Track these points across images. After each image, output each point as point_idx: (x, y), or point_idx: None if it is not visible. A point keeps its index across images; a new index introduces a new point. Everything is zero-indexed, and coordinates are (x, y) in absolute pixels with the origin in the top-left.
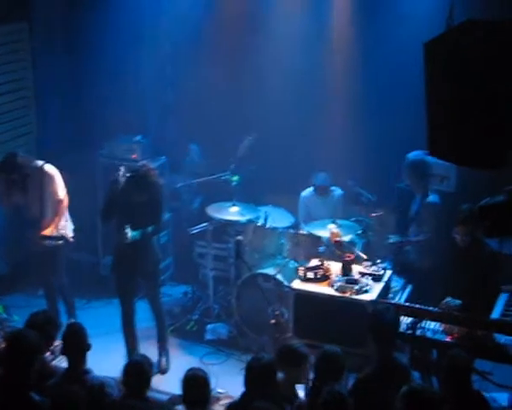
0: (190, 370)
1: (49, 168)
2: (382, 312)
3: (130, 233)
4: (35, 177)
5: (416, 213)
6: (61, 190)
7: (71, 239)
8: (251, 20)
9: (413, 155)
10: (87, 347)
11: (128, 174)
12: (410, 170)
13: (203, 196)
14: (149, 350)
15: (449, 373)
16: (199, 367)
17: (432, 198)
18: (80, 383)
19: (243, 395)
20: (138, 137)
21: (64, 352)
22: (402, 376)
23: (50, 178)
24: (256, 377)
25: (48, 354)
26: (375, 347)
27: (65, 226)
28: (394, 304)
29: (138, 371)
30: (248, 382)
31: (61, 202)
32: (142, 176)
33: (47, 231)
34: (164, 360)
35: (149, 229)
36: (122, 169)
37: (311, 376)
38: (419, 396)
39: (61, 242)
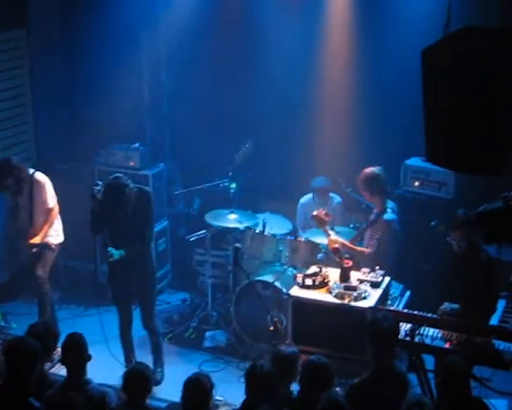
0: (194, 374)
1: (39, 176)
2: (380, 319)
3: (113, 253)
4: (25, 185)
5: (370, 223)
6: (51, 199)
7: (53, 246)
8: (248, 29)
9: (368, 169)
10: (87, 357)
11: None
12: (362, 184)
13: (201, 200)
14: (147, 358)
15: (447, 380)
16: (204, 373)
17: (388, 216)
18: (80, 393)
19: (244, 403)
20: (136, 145)
21: (63, 362)
22: (399, 383)
23: (40, 186)
24: (258, 384)
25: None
26: (372, 354)
27: (57, 232)
28: (392, 311)
29: (139, 379)
30: (250, 389)
31: (50, 210)
32: (115, 189)
33: (35, 240)
34: (158, 371)
35: (136, 246)
36: (99, 183)
37: (300, 386)
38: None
39: (46, 239)
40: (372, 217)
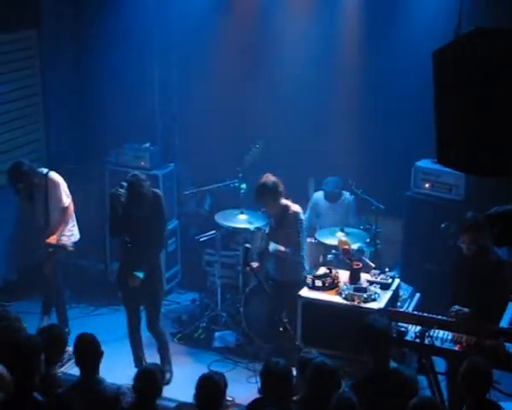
0: (208, 372)
1: (54, 176)
2: (373, 321)
3: (138, 276)
4: (40, 185)
5: (281, 226)
6: (66, 197)
7: (70, 248)
8: (259, 30)
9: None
10: (100, 357)
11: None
12: (266, 193)
13: (212, 199)
14: (155, 357)
15: (469, 380)
16: (216, 371)
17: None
18: (93, 392)
19: (258, 400)
20: (147, 145)
21: (76, 363)
22: (403, 386)
23: (55, 185)
24: (272, 381)
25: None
26: (369, 356)
27: (72, 232)
28: (402, 312)
29: (151, 380)
30: (264, 386)
31: (65, 209)
32: (131, 187)
33: (51, 239)
34: (166, 369)
35: (152, 258)
36: (124, 185)
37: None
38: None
39: (61, 238)
40: (274, 221)
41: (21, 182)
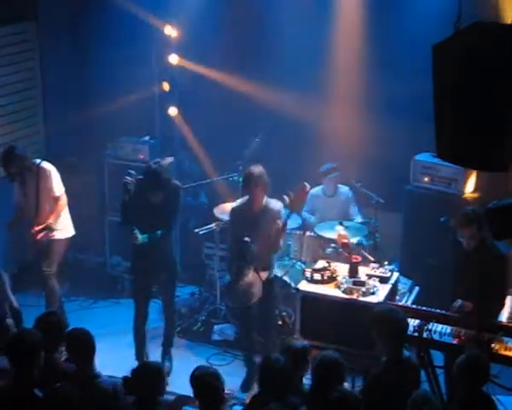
0: (198, 369)
1: (46, 165)
2: (394, 310)
3: (138, 237)
4: (32, 174)
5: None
6: (58, 187)
7: (54, 226)
8: (259, 20)
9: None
10: (93, 352)
11: (140, 176)
12: (258, 181)
13: (206, 193)
14: (154, 352)
15: (467, 372)
16: (209, 366)
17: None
18: (89, 387)
19: (256, 396)
20: (146, 138)
21: (68, 358)
22: (413, 372)
23: (46, 174)
24: (271, 378)
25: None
26: (386, 345)
27: (64, 225)
28: (401, 306)
29: (152, 375)
30: (262, 383)
31: (57, 199)
32: (153, 173)
33: (40, 227)
34: (167, 364)
35: (158, 232)
36: (133, 173)
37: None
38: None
39: (53, 233)
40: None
41: (14, 166)
